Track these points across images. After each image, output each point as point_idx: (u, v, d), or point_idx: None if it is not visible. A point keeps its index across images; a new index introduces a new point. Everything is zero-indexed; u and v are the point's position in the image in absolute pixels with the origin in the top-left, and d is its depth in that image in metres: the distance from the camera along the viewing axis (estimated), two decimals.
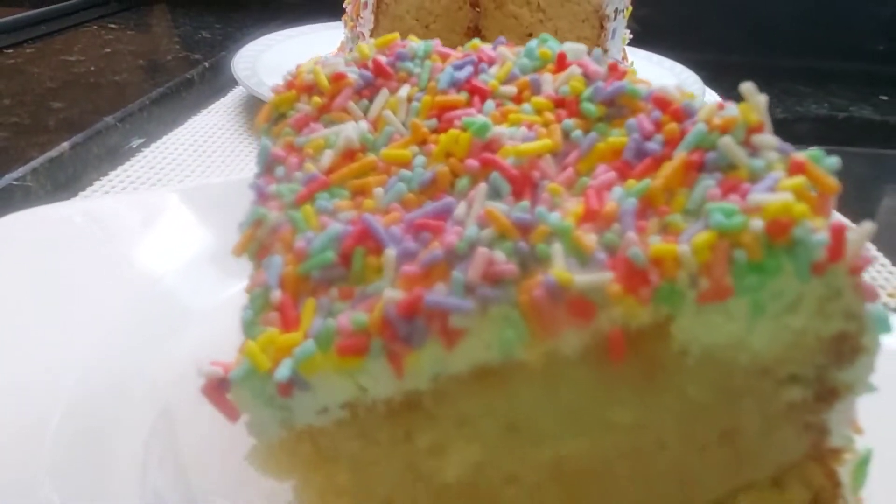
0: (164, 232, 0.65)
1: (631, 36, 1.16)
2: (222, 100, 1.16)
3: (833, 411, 0.37)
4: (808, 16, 1.62)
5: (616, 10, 1.06)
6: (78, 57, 1.23)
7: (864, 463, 0.43)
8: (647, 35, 1.30)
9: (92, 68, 1.18)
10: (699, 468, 0.39)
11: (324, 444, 0.34)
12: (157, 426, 0.48)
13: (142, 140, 0.98)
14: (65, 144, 0.86)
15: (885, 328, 0.33)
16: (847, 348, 0.33)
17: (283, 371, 0.30)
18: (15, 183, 0.78)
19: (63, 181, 0.85)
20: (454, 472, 0.36)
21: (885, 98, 1.46)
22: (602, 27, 1.06)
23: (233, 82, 1.14)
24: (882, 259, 0.85)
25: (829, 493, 0.41)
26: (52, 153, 0.84)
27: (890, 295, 0.78)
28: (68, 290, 0.56)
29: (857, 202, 1.04)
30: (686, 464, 0.38)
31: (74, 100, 1.03)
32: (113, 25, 1.45)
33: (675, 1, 1.60)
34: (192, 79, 1.17)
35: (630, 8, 1.10)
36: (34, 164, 0.81)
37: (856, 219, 0.91)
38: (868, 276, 0.80)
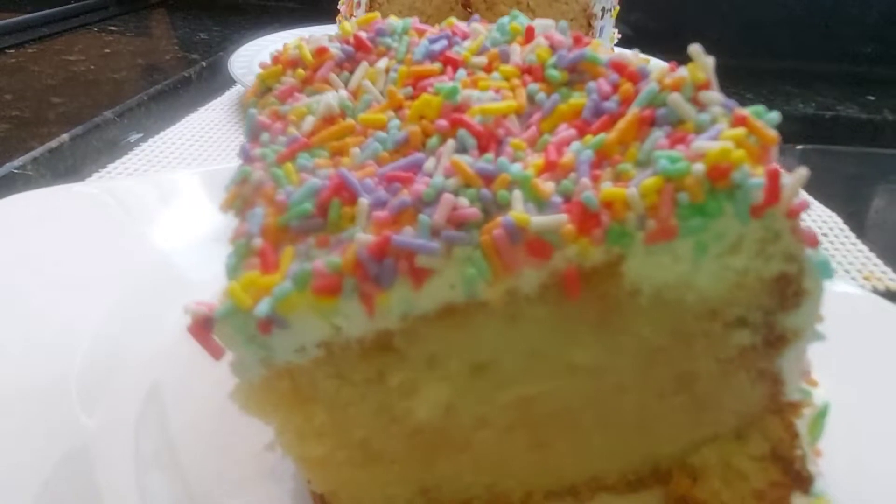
0: (177, 210, 0.70)
1: (619, 35, 1.19)
2: (219, 98, 1.19)
3: (784, 359, 0.39)
4: (796, 19, 1.65)
5: (603, 10, 1.08)
6: (78, 56, 1.25)
7: (821, 416, 0.45)
8: (637, 38, 1.33)
9: (91, 67, 1.20)
10: (660, 415, 0.41)
11: (302, 382, 0.36)
12: (153, 389, 0.52)
13: (140, 135, 1.01)
14: (64, 136, 0.89)
15: (827, 272, 0.35)
16: (790, 291, 0.36)
17: (263, 308, 0.32)
18: (16, 171, 0.81)
19: (62, 171, 0.87)
20: (425, 414, 0.38)
21: (872, 98, 1.49)
22: (590, 25, 1.09)
23: (230, 82, 1.17)
24: (860, 245, 0.88)
25: (786, 445, 0.43)
26: (52, 144, 0.87)
27: (866, 277, 0.80)
28: (86, 257, 0.61)
29: (843, 197, 1.07)
30: (647, 410, 0.41)
31: (74, 96, 1.05)
32: (113, 28, 1.48)
33: (665, 4, 1.63)
34: (190, 77, 1.20)
35: (617, 7, 1.13)
36: (34, 153, 0.84)
37: (847, 215, 0.93)
38: (851, 262, 0.83)
